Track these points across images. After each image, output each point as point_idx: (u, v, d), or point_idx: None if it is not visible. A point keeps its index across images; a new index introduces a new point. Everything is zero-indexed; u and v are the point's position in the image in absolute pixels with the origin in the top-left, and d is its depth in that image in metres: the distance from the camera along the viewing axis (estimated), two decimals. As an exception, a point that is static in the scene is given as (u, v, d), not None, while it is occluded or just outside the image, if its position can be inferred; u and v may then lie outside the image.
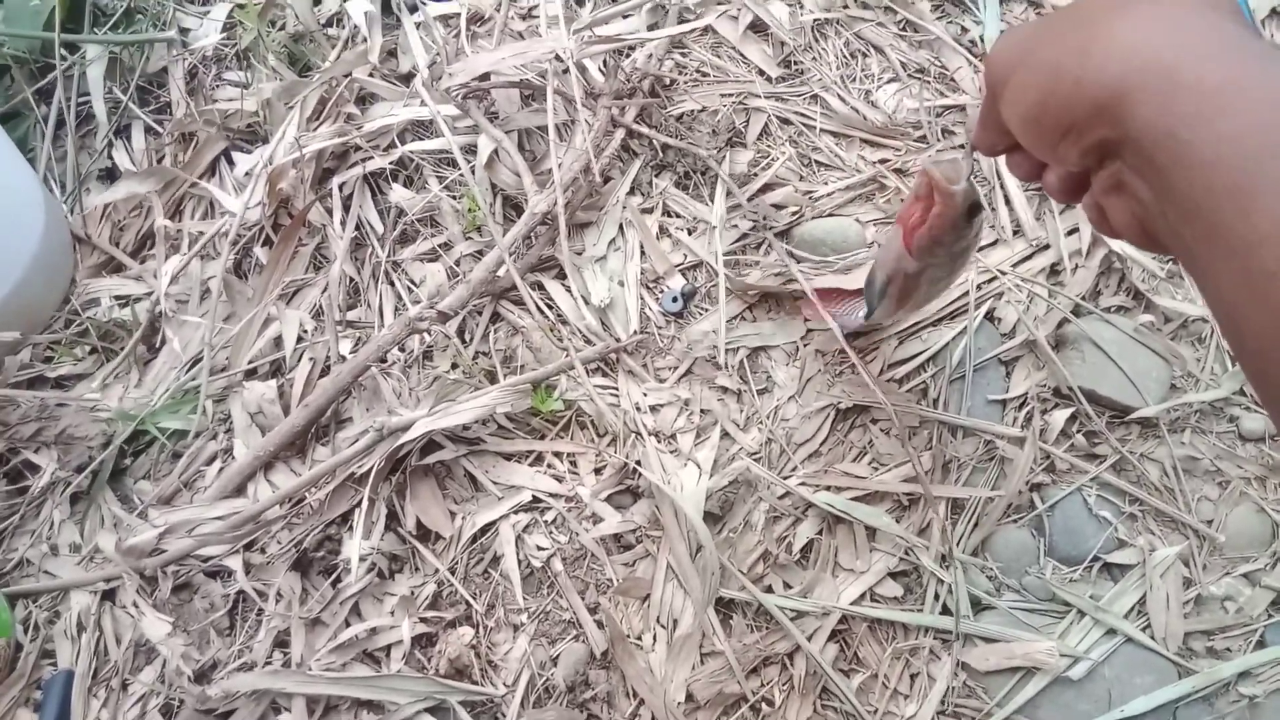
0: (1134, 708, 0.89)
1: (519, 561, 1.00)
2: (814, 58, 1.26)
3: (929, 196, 0.71)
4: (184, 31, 1.39)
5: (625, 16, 1.26)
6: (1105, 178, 0.47)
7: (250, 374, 1.13)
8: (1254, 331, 0.39)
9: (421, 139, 1.22)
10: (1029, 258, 1.09)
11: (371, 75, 1.26)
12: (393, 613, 0.97)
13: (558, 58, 1.18)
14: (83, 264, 1.25)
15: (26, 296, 1.14)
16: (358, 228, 1.19)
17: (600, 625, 0.96)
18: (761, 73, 1.24)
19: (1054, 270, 1.08)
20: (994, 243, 1.10)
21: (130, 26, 1.38)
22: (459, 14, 1.28)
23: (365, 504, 0.98)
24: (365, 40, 1.28)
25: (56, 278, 1.20)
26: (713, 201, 1.16)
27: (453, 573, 0.99)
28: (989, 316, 1.06)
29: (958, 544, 0.96)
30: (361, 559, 0.97)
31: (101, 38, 1.34)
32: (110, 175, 1.33)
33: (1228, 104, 0.39)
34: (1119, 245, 1.07)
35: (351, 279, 1.17)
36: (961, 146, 0.68)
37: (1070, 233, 1.09)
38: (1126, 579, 0.94)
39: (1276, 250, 0.37)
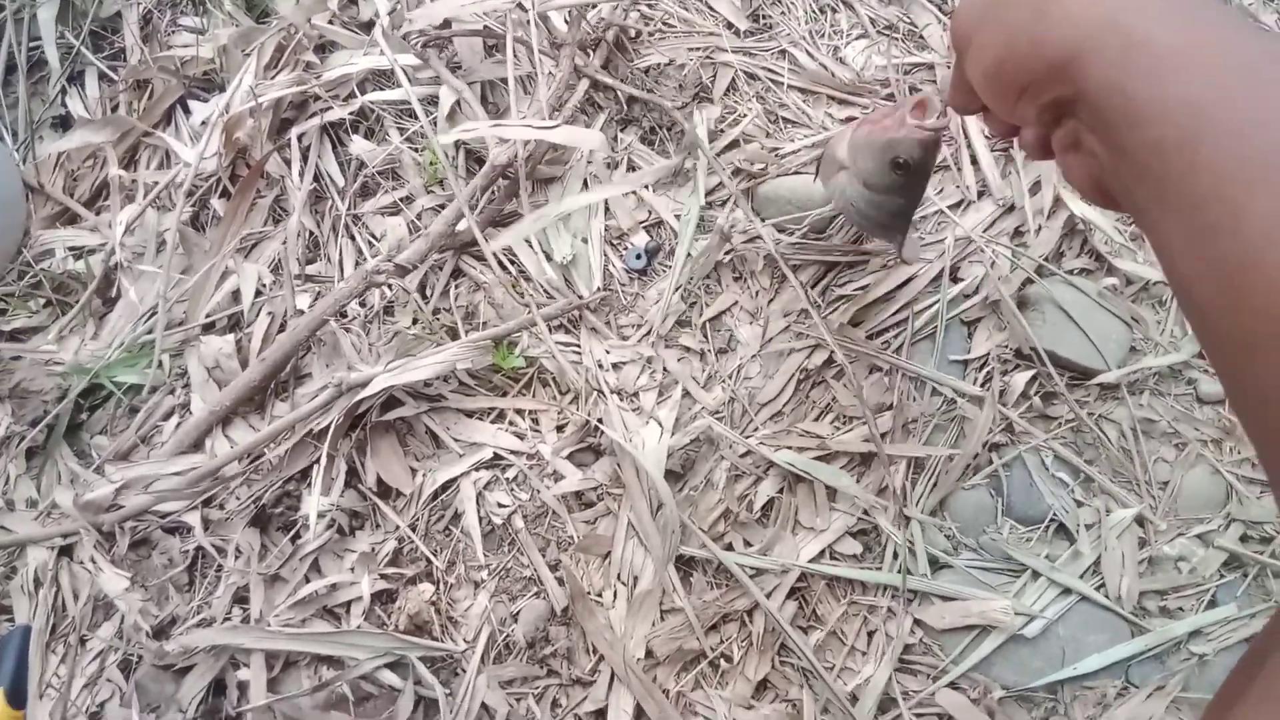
0: (1087, 665, 0.91)
1: (480, 518, 0.99)
2: (783, 11, 1.23)
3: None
4: (138, -26, 1.34)
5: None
6: (1062, 136, 0.47)
7: (207, 328, 1.11)
8: (1200, 289, 0.39)
9: (382, 89, 1.19)
10: (996, 220, 1.08)
11: (331, 22, 1.23)
12: (353, 569, 0.97)
13: (520, 6, 1.15)
14: (37, 214, 1.22)
15: (-25, 247, 1.11)
16: (317, 179, 1.17)
17: (561, 582, 0.96)
18: (729, 25, 1.22)
19: (1018, 231, 1.08)
20: (960, 203, 1.10)
21: (82, -32, 1.33)
22: (421, -40, 1.24)
23: (324, 460, 0.98)
24: (325, -15, 1.24)
25: (9, 228, 1.18)
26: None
27: (413, 529, 0.99)
28: (953, 276, 1.05)
29: (917, 503, 0.97)
30: (321, 515, 0.96)
31: (51, -21, 1.30)
32: (64, 123, 1.30)
33: (1179, 64, 0.39)
34: (1080, 208, 1.06)
35: (311, 232, 1.15)
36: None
37: (1034, 192, 1.08)
38: (1082, 539, 0.95)
39: (1219, 206, 0.37)
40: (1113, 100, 0.41)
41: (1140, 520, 0.97)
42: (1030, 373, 1.00)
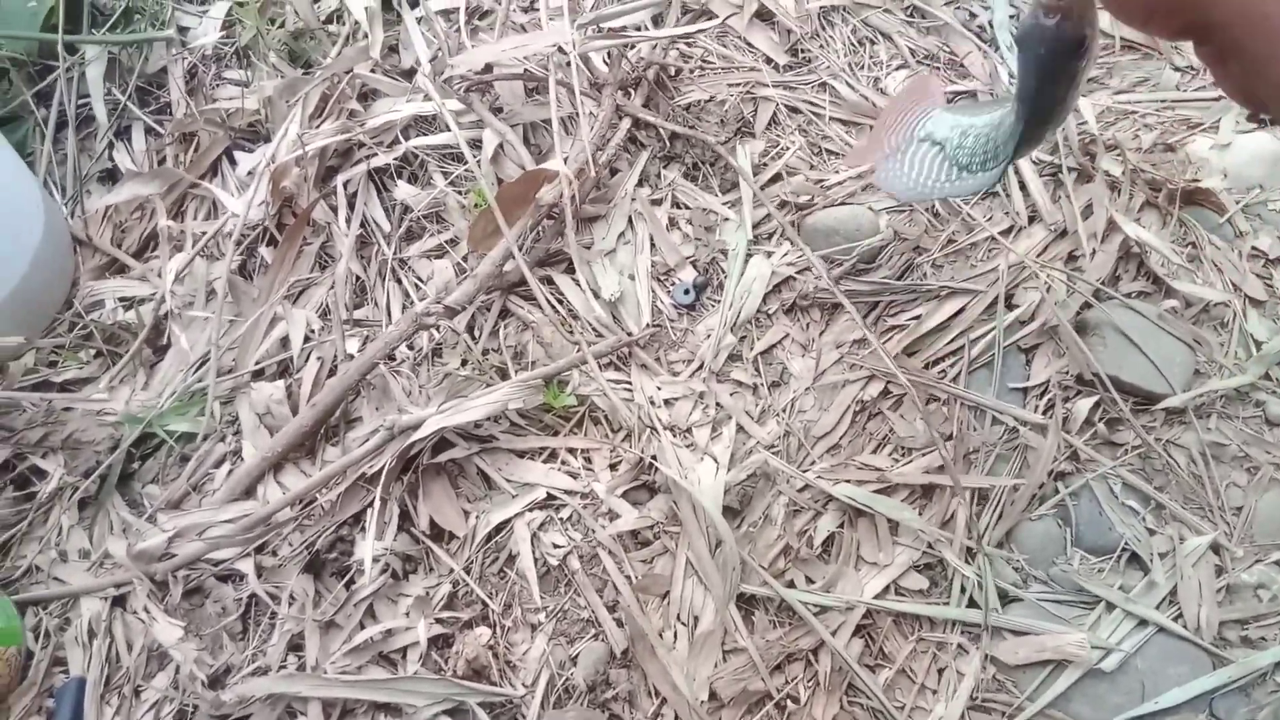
0: (1169, 699, 0.87)
1: (535, 560, 0.98)
2: (821, 45, 1.24)
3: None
4: (183, 30, 1.37)
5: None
6: (1205, 55, 0.44)
7: (258, 375, 1.11)
8: None
9: (425, 134, 1.20)
10: (1049, 244, 1.07)
11: (373, 71, 1.24)
12: (408, 614, 0.96)
13: (561, 50, 1.16)
14: (85, 266, 1.23)
15: (26, 300, 1.12)
16: (363, 225, 1.17)
17: (620, 624, 0.94)
18: (769, 61, 1.22)
19: (1072, 256, 1.07)
20: (1012, 229, 1.08)
21: (128, 26, 1.36)
22: (459, 8, 1.26)
23: (377, 504, 0.97)
24: (366, 36, 1.26)
25: (57, 281, 1.19)
26: (722, 193, 1.14)
27: (468, 572, 0.98)
28: (1008, 303, 1.04)
29: (983, 535, 0.94)
30: (375, 560, 0.95)
31: (100, 38, 1.33)
32: (111, 177, 1.32)
33: None
34: (1135, 230, 1.05)
35: (358, 277, 1.15)
36: None
37: (1086, 216, 1.07)
38: (1156, 568, 0.92)
39: None
40: (1256, 28, 0.38)
41: (1216, 547, 0.94)
42: (1093, 399, 0.98)
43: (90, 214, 1.26)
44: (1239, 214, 1.08)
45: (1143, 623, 0.91)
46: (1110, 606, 0.91)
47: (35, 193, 1.16)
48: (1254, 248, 1.07)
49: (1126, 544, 0.93)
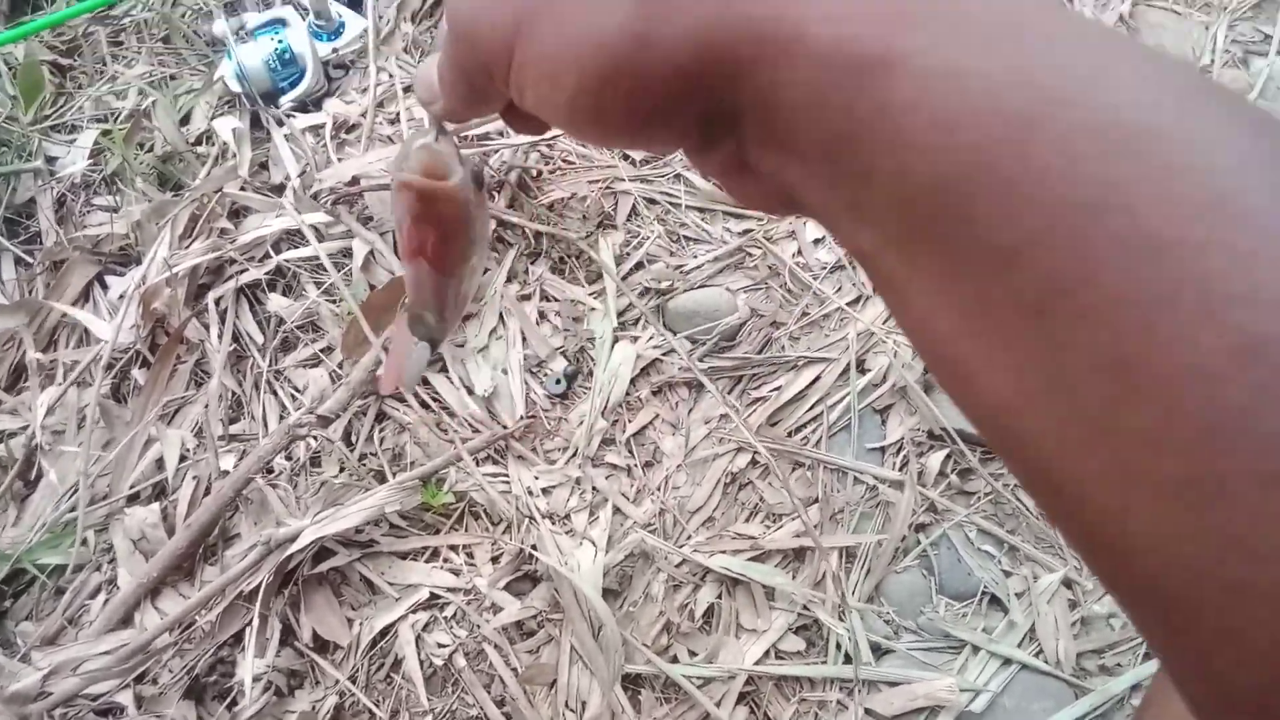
0: (1035, 734, 0.91)
1: (421, 661, 0.98)
2: (675, 138, 1.31)
3: (428, 212, 0.44)
4: (50, 160, 1.38)
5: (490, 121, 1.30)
6: (718, 163, 0.31)
7: (133, 499, 1.10)
8: (991, 387, 0.24)
9: (297, 247, 1.23)
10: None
11: (243, 189, 1.27)
12: (294, 731, 0.95)
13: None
14: (-48, 404, 1.21)
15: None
16: (237, 339, 1.18)
17: (508, 718, 0.95)
18: (625, 157, 1.29)
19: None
20: (859, 299, 1.15)
21: (-7, 160, 1.37)
22: (325, 124, 1.30)
23: (256, 621, 0.96)
24: (234, 156, 1.29)
25: (-78, 421, 1.17)
26: (588, 284, 1.19)
27: (354, 682, 0.97)
28: (860, 368, 1.10)
29: (852, 591, 0.98)
30: (256, 679, 0.94)
31: (-38, 174, 1.33)
32: (-21, 311, 1.31)
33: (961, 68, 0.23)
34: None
35: (233, 392, 1.16)
36: (441, 131, 0.41)
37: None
38: (1014, 608, 0.97)
39: (1048, 263, 0.22)
40: (810, 115, 0.25)
41: (1067, 582, 0.99)
42: (944, 452, 1.04)
43: (-43, 351, 1.25)
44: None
45: (1007, 662, 0.95)
46: (975, 649, 0.96)
47: (-106, 334, 1.14)
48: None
49: (985, 587, 0.98)
